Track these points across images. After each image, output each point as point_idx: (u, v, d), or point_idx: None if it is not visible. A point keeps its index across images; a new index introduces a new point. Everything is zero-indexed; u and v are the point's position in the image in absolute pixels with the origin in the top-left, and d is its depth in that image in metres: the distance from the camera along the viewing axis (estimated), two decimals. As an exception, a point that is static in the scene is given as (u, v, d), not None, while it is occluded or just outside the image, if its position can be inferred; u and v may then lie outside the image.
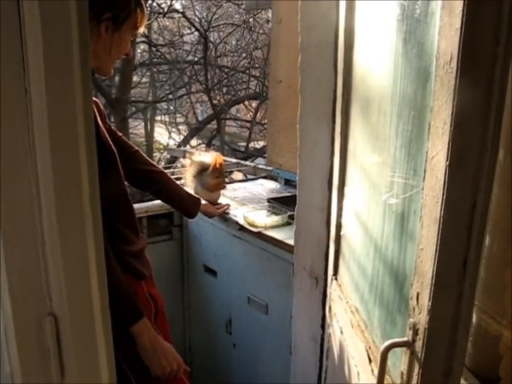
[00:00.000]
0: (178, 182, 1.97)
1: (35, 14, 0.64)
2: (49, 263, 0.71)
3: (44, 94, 0.66)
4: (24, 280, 0.71)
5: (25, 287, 0.71)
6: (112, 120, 7.11)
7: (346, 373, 1.27)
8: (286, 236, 1.95)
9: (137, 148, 1.79)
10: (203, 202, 2.05)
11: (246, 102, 7.98)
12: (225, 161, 2.89)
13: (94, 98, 1.47)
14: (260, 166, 3.14)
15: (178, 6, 7.78)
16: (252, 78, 7.86)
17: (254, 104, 8.04)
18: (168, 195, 1.91)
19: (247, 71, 7.83)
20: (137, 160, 1.77)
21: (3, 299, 0.71)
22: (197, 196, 2.03)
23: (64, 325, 0.74)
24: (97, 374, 0.79)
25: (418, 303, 0.82)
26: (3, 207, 0.67)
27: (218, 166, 2.17)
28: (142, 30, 1.42)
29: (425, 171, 0.79)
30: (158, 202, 2.30)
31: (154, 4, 6.87)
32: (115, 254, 1.31)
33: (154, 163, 1.90)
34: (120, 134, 1.70)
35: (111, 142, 1.38)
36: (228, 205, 2.28)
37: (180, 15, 7.49)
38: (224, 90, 7.97)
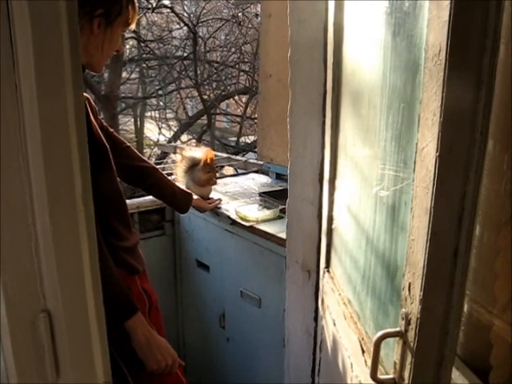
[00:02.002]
0: (169, 178, 1.97)
1: (24, 9, 0.63)
2: (42, 260, 0.71)
3: (34, 89, 0.66)
4: (17, 277, 0.71)
5: (18, 284, 0.71)
6: (102, 116, 7.08)
7: (340, 364, 1.28)
8: (277, 230, 1.96)
9: (128, 144, 1.79)
10: (195, 196, 2.05)
11: (236, 97, 7.97)
12: (215, 156, 2.89)
13: (86, 94, 1.46)
14: (251, 161, 3.15)
15: (166, 1, 7.73)
16: (242, 73, 7.85)
17: (244, 99, 8.03)
18: (160, 191, 1.91)
19: (237, 66, 7.81)
20: (128, 156, 1.77)
21: (-3, 296, 0.71)
22: (188, 191, 2.03)
23: (58, 321, 0.74)
24: (91, 370, 0.79)
25: (409, 293, 0.83)
26: (-5, 204, 0.67)
27: (208, 161, 2.17)
28: (133, 26, 1.43)
29: (415, 162, 0.80)
30: (150, 197, 2.30)
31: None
32: (109, 250, 1.31)
33: (146, 159, 1.90)
34: (112, 130, 1.70)
35: (103, 138, 1.38)
36: (219, 199, 2.28)
37: (169, 10, 7.45)
38: (214, 85, 7.95)
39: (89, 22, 1.27)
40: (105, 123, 1.65)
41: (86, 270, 0.75)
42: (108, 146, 1.37)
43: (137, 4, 1.39)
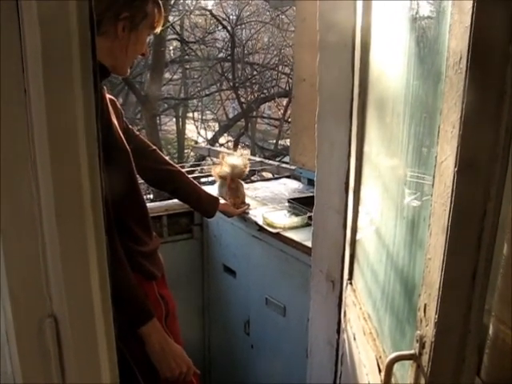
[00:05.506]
0: (195, 182, 1.95)
1: (33, 14, 0.63)
2: (49, 264, 0.70)
3: (43, 94, 0.65)
4: (24, 281, 0.71)
5: (25, 289, 0.71)
6: (142, 116, 7.20)
7: (359, 381, 1.24)
8: (304, 237, 1.92)
9: (154, 147, 1.79)
10: (222, 201, 2.03)
11: (277, 100, 7.96)
12: (249, 159, 2.87)
13: (111, 97, 1.47)
14: (283, 165, 3.11)
15: (209, 3, 7.81)
16: (282, 76, 7.84)
17: (285, 102, 8.00)
18: (185, 195, 1.91)
19: (276, 68, 7.80)
20: (154, 159, 1.77)
21: (4, 301, 0.71)
22: (215, 196, 2.01)
23: (64, 326, 0.73)
24: (98, 375, 0.78)
25: (425, 315, 0.78)
26: (3, 208, 0.67)
27: (232, 185, 2.15)
28: (159, 29, 1.42)
29: (434, 177, 0.76)
30: (178, 200, 2.29)
31: (187, 1, 6.94)
32: (126, 254, 1.30)
33: (172, 162, 1.89)
34: (137, 133, 1.70)
35: (125, 141, 1.37)
36: (248, 205, 2.25)
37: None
38: (254, 87, 7.97)
39: (113, 25, 1.27)
40: (130, 126, 1.65)
41: (93, 274, 0.74)
42: (129, 150, 1.36)
43: (162, 8, 1.38)
